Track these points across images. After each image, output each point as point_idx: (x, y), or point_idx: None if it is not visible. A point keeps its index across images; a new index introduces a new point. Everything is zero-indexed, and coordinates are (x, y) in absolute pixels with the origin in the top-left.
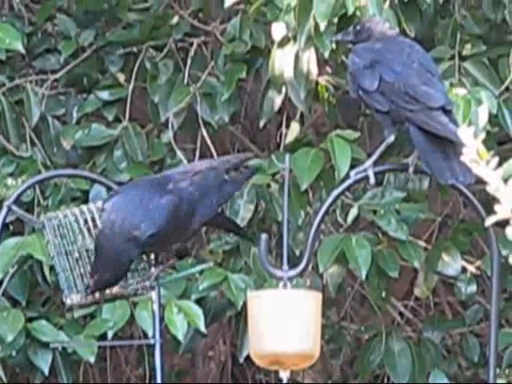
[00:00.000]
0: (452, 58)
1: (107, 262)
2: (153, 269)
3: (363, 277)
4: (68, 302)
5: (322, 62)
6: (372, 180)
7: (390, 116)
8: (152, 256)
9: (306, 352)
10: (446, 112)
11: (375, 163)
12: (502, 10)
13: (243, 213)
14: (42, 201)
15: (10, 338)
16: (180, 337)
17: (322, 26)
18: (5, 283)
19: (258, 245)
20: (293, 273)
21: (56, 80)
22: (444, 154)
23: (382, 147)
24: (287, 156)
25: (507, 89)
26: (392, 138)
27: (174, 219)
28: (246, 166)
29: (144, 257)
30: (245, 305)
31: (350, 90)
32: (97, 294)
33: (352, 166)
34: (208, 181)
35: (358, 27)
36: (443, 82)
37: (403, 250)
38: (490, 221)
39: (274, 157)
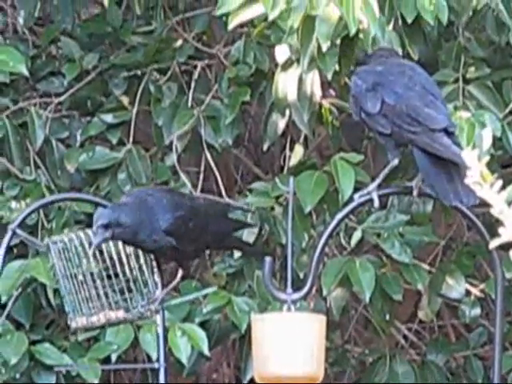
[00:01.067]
0: (456, 80)
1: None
2: (157, 292)
3: (367, 300)
4: (73, 325)
5: (325, 85)
6: (376, 203)
7: (393, 138)
8: (157, 279)
9: (309, 375)
10: (449, 134)
11: (379, 186)
12: (506, 32)
13: (247, 236)
14: (45, 224)
15: (13, 361)
16: (184, 360)
17: (325, 46)
18: (9, 306)
19: (261, 268)
20: (297, 296)
21: (60, 103)
22: (447, 175)
23: (386, 170)
24: (291, 179)
25: (511, 112)
26: (396, 162)
27: (193, 218)
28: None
29: (149, 280)
30: (249, 328)
31: (353, 113)
32: (102, 318)
33: (356, 189)
34: (217, 207)
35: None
36: (446, 105)
37: (407, 273)
38: (493, 244)
39: (277, 180)
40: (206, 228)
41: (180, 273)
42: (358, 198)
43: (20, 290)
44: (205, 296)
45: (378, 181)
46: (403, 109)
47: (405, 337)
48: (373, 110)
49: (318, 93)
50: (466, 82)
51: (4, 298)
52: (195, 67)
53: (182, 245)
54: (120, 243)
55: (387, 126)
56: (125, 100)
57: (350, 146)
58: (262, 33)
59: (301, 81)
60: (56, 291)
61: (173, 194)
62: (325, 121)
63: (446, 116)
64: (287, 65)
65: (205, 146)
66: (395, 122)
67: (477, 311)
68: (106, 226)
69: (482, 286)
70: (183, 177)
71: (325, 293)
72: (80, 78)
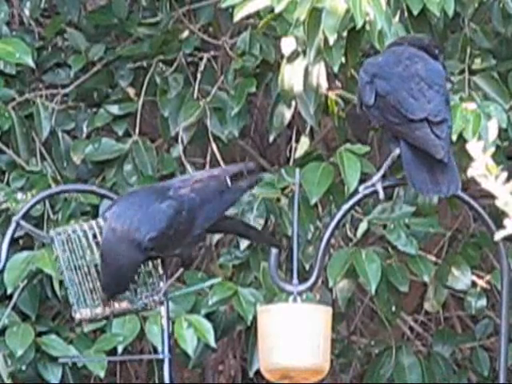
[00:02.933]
0: (462, 72)
1: (112, 271)
2: (161, 283)
3: (373, 291)
4: (77, 316)
5: (331, 76)
6: (381, 195)
7: (386, 130)
8: (161, 271)
9: (315, 366)
10: (433, 124)
11: (383, 177)
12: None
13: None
14: (51, 215)
15: (19, 353)
16: (190, 351)
17: (331, 39)
18: (15, 297)
19: (267, 259)
20: (303, 287)
21: (66, 94)
22: (428, 166)
23: (389, 161)
24: (297, 170)
25: None
26: (397, 152)
27: (175, 223)
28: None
29: (153, 271)
30: (255, 319)
31: (357, 106)
32: (106, 309)
33: (361, 181)
34: (209, 188)
35: None
36: (447, 93)
37: (413, 265)
38: (499, 235)
39: (283, 171)
40: (191, 225)
41: (181, 263)
42: (362, 190)
43: (26, 281)
44: (211, 287)
45: (381, 172)
46: (391, 101)
47: (411, 328)
48: (369, 103)
49: (323, 84)
50: (472, 73)
51: (10, 290)
52: (201, 59)
53: (166, 253)
54: None
55: (380, 118)
56: (131, 91)
57: (356, 137)
58: (268, 24)
59: (307, 72)
60: (62, 283)
61: (150, 203)
62: (331, 112)
63: (433, 105)
64: (293, 56)
65: (211, 137)
66: (384, 114)
67: (483, 302)
68: (105, 219)
69: (487, 278)
70: (189, 168)
71: (331, 284)
72: (86, 69)
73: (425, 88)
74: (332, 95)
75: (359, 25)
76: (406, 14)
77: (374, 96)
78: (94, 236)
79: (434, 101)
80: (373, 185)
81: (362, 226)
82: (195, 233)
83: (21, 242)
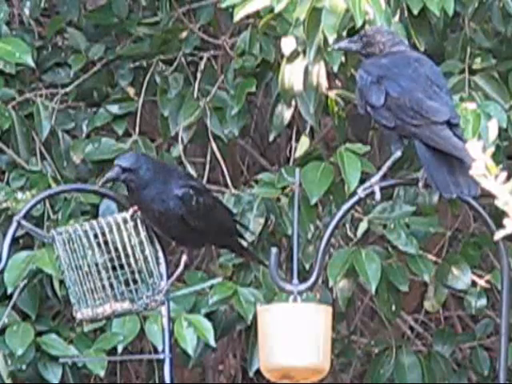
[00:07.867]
0: (462, 71)
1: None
2: (163, 283)
3: (373, 291)
4: (78, 316)
5: (331, 76)
6: (378, 196)
7: (397, 131)
8: (162, 270)
9: (316, 366)
10: (452, 126)
11: (383, 178)
12: (511, 23)
13: (253, 227)
14: (51, 215)
15: (19, 352)
16: (190, 351)
17: (331, 39)
18: (15, 297)
19: (267, 259)
20: (303, 287)
21: (66, 94)
22: (448, 168)
23: (389, 163)
24: (297, 170)
25: None
26: (399, 154)
27: (204, 194)
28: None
29: (154, 271)
30: (255, 319)
31: (358, 106)
32: (107, 309)
33: (362, 180)
34: (222, 204)
35: (366, 38)
36: (451, 96)
37: (413, 264)
38: (499, 234)
39: (283, 171)
40: (213, 209)
41: (183, 259)
42: (361, 192)
43: (26, 280)
44: (211, 287)
45: (380, 174)
46: (406, 102)
47: (411, 328)
48: (377, 103)
49: (324, 84)
50: (472, 72)
51: (10, 289)
52: (201, 58)
53: (189, 216)
54: (125, 234)
55: (391, 120)
56: (131, 91)
57: (356, 136)
58: (268, 24)
59: (307, 72)
60: (62, 282)
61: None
62: (331, 112)
63: (449, 107)
64: (293, 56)
65: (211, 136)
66: (398, 115)
67: (483, 302)
68: (124, 170)
69: (488, 277)
70: (189, 168)
71: (331, 284)
72: (86, 68)
73: (437, 90)
74: (332, 95)
75: (359, 24)
76: (406, 13)
77: (383, 97)
78: (95, 236)
79: (448, 103)
80: (371, 186)
81: (362, 226)
82: (213, 222)
83: (21, 241)
